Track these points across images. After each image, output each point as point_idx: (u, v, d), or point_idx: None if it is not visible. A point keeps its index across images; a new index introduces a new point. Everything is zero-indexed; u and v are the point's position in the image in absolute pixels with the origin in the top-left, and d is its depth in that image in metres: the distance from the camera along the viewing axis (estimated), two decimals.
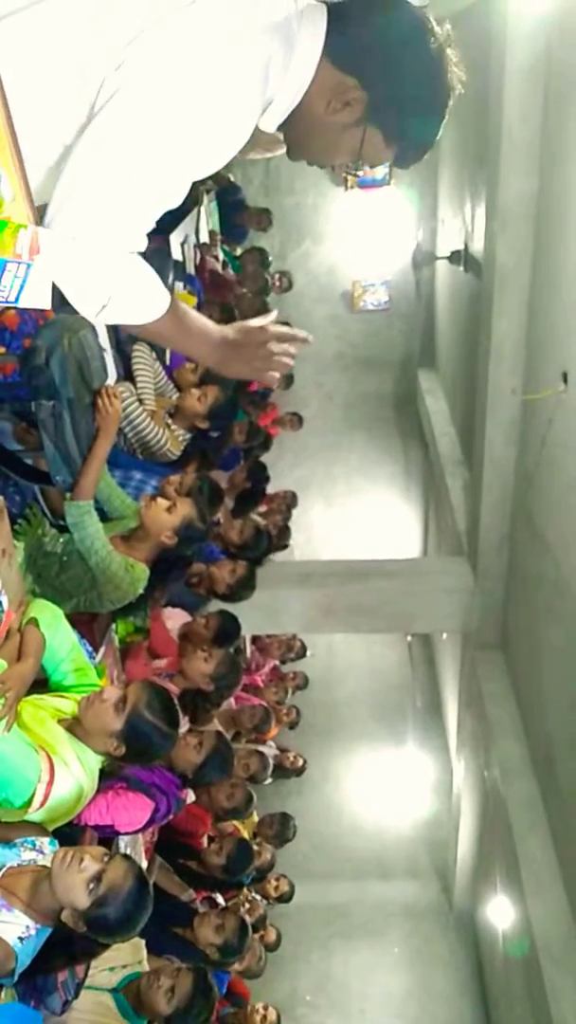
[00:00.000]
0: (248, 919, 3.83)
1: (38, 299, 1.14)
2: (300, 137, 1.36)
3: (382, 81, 1.27)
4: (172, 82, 1.15)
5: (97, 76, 1.17)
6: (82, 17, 1.17)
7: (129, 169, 1.17)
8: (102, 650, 2.98)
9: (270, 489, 6.27)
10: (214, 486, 3.18)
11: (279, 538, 6.42)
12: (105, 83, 1.16)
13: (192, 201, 4.99)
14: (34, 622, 2.26)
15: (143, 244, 1.27)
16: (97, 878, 1.91)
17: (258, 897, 5.25)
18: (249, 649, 6.80)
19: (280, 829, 5.35)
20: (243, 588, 3.86)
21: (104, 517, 2.78)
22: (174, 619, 3.98)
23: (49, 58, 1.17)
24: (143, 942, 2.89)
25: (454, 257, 6.53)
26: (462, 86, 1.29)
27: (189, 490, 2.84)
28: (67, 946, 2.03)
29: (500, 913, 5.32)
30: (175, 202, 1.25)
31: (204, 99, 1.16)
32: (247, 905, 4.79)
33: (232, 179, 6.87)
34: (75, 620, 2.51)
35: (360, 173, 1.41)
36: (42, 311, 2.37)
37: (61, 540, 2.68)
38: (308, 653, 7.39)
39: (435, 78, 1.27)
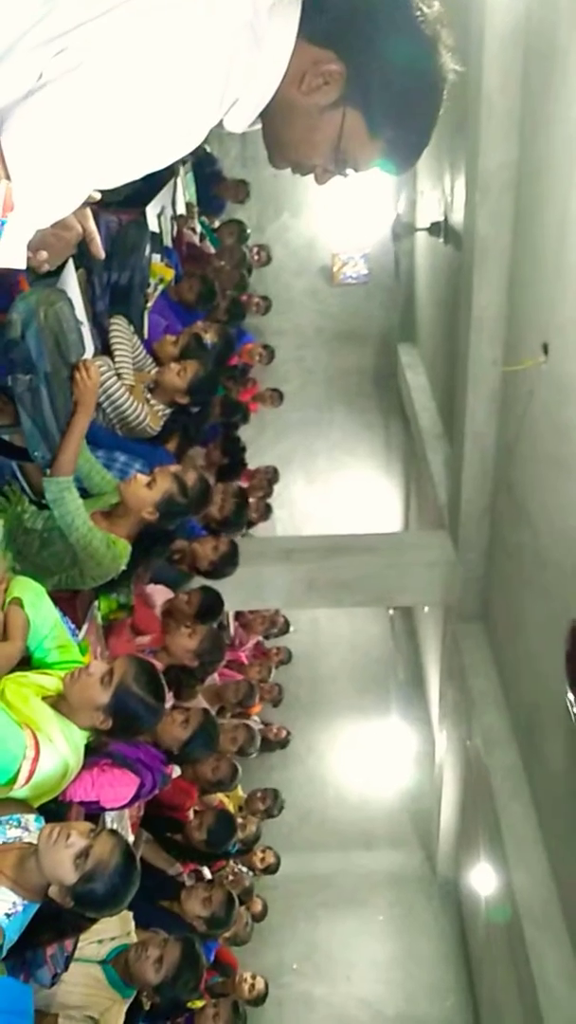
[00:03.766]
0: (233, 891, 3.87)
1: (12, 259, 1.09)
2: (275, 130, 1.30)
3: (362, 51, 1.17)
4: (118, 75, 1.07)
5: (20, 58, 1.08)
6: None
7: (61, 159, 1.09)
8: (85, 627, 2.97)
9: (251, 465, 6.26)
10: (206, 485, 3.13)
11: (261, 515, 6.42)
12: (44, 69, 1.07)
13: (168, 172, 4.89)
14: (18, 602, 2.24)
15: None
16: (84, 854, 1.92)
17: (244, 869, 5.31)
18: (232, 625, 6.81)
19: (271, 805, 5.45)
20: (226, 564, 3.85)
21: (85, 493, 2.75)
22: (157, 596, 3.97)
23: None
24: (131, 914, 2.92)
25: (434, 229, 6.48)
26: (455, 74, 1.19)
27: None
28: (55, 921, 2.04)
29: (483, 880, 5.41)
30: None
31: (152, 98, 1.09)
32: (231, 878, 4.84)
33: (209, 150, 6.75)
34: (57, 597, 2.49)
35: (344, 176, 1.32)
36: (17, 282, 2.32)
37: (41, 517, 2.65)
38: (291, 628, 7.43)
39: (423, 55, 1.17)
